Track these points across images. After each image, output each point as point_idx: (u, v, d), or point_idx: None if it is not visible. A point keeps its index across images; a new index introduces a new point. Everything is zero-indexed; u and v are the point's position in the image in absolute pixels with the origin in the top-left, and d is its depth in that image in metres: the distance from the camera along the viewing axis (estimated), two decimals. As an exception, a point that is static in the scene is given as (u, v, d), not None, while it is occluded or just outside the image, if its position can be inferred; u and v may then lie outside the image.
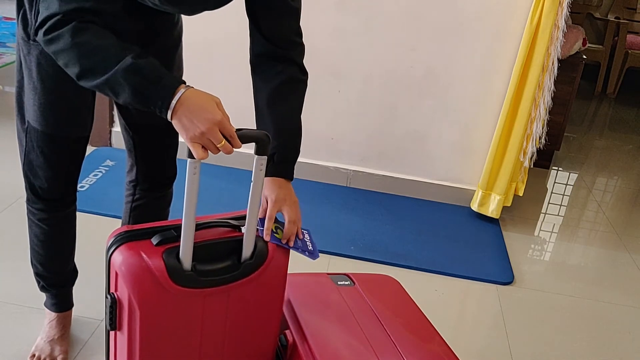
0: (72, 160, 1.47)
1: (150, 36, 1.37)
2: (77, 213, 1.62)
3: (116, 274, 1.17)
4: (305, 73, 1.41)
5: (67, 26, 1.08)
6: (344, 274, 1.63)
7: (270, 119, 1.35)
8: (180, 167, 1.67)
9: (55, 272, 1.63)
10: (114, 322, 1.20)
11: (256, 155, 1.19)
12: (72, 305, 1.72)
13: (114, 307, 1.18)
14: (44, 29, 1.10)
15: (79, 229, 1.65)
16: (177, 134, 1.61)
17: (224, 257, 1.23)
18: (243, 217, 1.27)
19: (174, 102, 1.06)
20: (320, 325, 1.40)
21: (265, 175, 1.32)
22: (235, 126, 1.14)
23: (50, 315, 1.70)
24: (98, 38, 1.09)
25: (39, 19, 1.11)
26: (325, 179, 2.96)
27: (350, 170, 2.94)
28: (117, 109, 1.56)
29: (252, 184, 1.21)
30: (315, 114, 2.84)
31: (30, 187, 1.48)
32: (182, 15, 1.46)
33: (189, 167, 1.10)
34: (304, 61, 1.42)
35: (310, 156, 2.93)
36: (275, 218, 1.32)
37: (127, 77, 1.06)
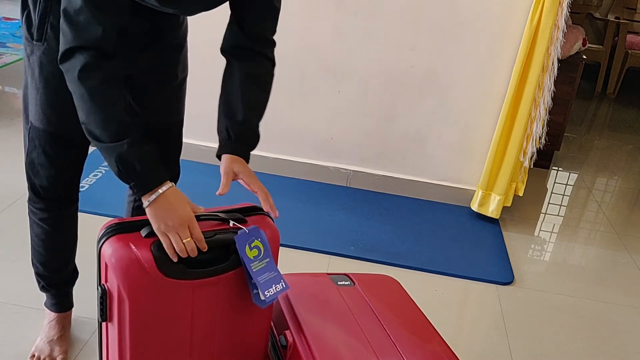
0: (73, 160, 1.47)
1: (156, 36, 1.39)
2: (80, 214, 1.62)
3: (106, 265, 1.19)
4: (274, 66, 1.44)
5: (96, 76, 1.13)
6: (344, 274, 1.63)
7: (241, 100, 1.35)
8: (182, 166, 1.67)
9: (56, 272, 1.63)
10: (104, 314, 1.22)
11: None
12: (72, 305, 1.72)
13: (104, 298, 1.21)
14: (79, 66, 1.13)
15: (79, 229, 1.65)
16: (181, 133, 1.61)
17: (212, 248, 1.24)
18: (231, 211, 1.31)
19: (153, 196, 1.17)
20: (320, 325, 1.41)
21: (227, 152, 1.34)
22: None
23: (50, 316, 1.70)
24: (105, 103, 1.15)
25: (68, 44, 1.14)
26: (325, 179, 2.95)
27: (350, 170, 2.94)
28: None
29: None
30: (315, 114, 2.84)
31: (32, 186, 1.49)
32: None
33: None
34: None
35: (310, 156, 2.93)
36: (258, 233, 1.30)
37: (116, 160, 1.15)
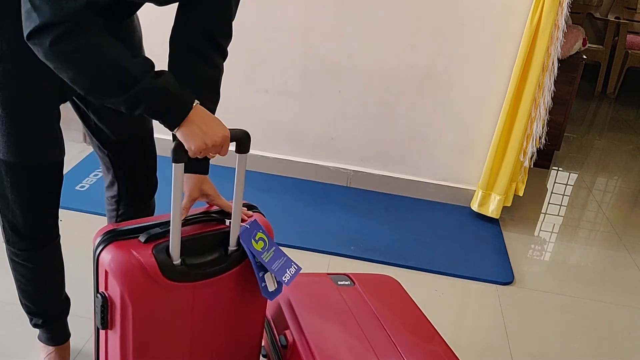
0: (49, 190, 1.37)
1: None
2: (78, 213, 1.62)
3: (106, 272, 1.18)
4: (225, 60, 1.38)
5: (77, 38, 1.01)
6: (344, 274, 1.63)
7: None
8: (167, 164, 1.66)
9: (49, 306, 1.55)
10: (105, 321, 1.21)
11: (238, 154, 1.23)
12: (69, 335, 1.63)
13: (105, 306, 1.19)
14: (49, 39, 1.00)
15: (80, 229, 1.64)
16: (154, 143, 1.53)
17: (211, 249, 1.25)
18: (223, 211, 1.31)
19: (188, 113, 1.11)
20: (320, 325, 1.41)
21: (191, 171, 1.29)
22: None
23: (46, 350, 1.60)
24: (111, 54, 1.05)
25: (39, 23, 0.99)
26: (325, 179, 2.95)
27: (350, 170, 2.94)
28: (86, 129, 1.47)
29: (235, 180, 1.25)
30: (315, 114, 2.84)
31: (10, 226, 1.38)
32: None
33: (175, 171, 1.15)
34: None
35: (310, 156, 2.93)
36: (257, 225, 1.30)
37: (143, 99, 1.07)
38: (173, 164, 1.15)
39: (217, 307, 1.30)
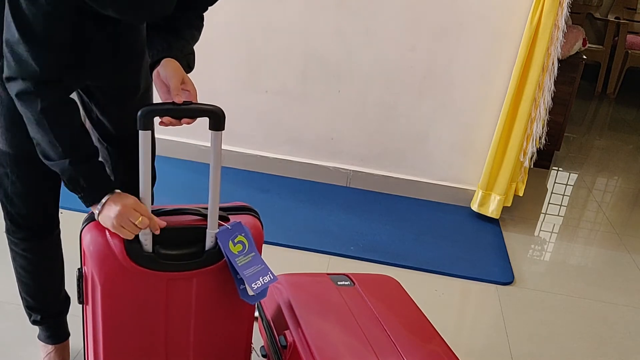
0: (48, 181, 1.38)
1: (117, 44, 1.33)
2: (78, 213, 1.61)
3: (83, 250, 1.21)
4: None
5: (35, 103, 1.13)
6: (344, 274, 1.63)
7: (188, 27, 1.32)
8: (182, 166, 1.66)
9: (48, 302, 1.55)
10: (81, 296, 1.25)
11: (212, 131, 1.20)
12: (69, 334, 1.62)
13: (80, 280, 1.23)
14: (15, 90, 1.14)
15: (80, 228, 1.64)
16: (154, 142, 1.50)
17: (190, 243, 1.25)
18: (222, 209, 1.29)
19: (99, 207, 1.19)
20: (320, 325, 1.41)
21: (165, 56, 1.25)
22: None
23: (46, 349, 1.59)
24: (55, 124, 1.15)
25: (7, 74, 1.13)
26: (325, 179, 2.95)
27: (350, 170, 2.94)
28: (88, 121, 1.48)
29: (211, 163, 1.21)
30: (315, 114, 2.84)
31: (9, 216, 1.39)
32: None
33: (142, 139, 1.17)
34: None
35: (310, 156, 2.93)
36: (241, 228, 1.28)
37: (63, 175, 1.19)
38: (140, 131, 1.16)
39: (194, 303, 1.29)
